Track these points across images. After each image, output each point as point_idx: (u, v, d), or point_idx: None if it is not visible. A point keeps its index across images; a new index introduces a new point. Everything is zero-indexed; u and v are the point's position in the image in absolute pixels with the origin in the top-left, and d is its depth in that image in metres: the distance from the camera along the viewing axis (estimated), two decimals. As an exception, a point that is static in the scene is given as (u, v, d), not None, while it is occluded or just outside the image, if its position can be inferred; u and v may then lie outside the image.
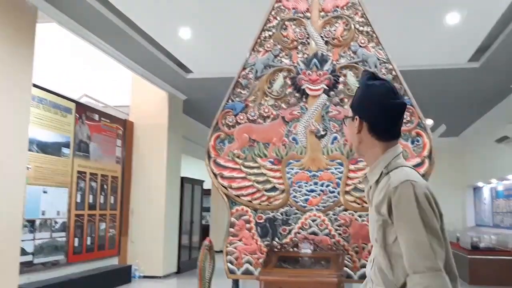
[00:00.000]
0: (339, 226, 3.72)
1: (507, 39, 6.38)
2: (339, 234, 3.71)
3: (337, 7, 3.91)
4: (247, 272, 3.78)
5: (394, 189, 1.49)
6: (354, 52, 3.83)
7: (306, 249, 3.55)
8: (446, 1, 5.59)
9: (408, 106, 3.68)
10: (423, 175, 3.59)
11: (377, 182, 1.61)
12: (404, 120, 3.63)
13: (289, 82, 3.92)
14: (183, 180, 9.96)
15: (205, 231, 13.03)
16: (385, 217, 1.53)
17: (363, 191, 3.63)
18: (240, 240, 3.83)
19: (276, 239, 3.77)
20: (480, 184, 12.42)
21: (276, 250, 3.62)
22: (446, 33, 6.37)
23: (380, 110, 1.59)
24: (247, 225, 3.84)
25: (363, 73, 1.86)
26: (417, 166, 3.63)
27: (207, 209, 14.01)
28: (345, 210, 3.73)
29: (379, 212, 1.54)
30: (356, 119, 1.64)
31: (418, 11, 5.83)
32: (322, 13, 3.93)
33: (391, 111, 1.60)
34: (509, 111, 9.13)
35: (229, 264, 3.82)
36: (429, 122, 12.15)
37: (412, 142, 3.67)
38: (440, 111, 10.56)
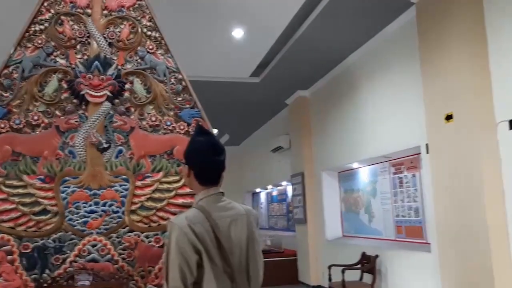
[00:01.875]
0: (123, 249, 3.32)
1: (283, 58, 6.95)
2: (123, 258, 3.31)
3: (123, 7, 3.54)
4: (7, 315, 3.08)
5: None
6: (142, 58, 3.52)
7: (83, 281, 3.06)
8: (231, 17, 5.73)
9: (197, 118, 3.55)
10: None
11: None
12: (193, 133, 3.51)
13: (65, 85, 3.37)
14: None
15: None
16: None
17: (151, 209, 3.38)
18: (-1, 276, 3.11)
19: (47, 271, 3.17)
20: (258, 190, 13.41)
21: (46, 285, 3.03)
22: (231, 48, 6.58)
23: (202, 164, 2.03)
24: (9, 257, 3.13)
25: (196, 126, 2.26)
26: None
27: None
28: (131, 231, 3.36)
29: None
30: (187, 167, 2.08)
31: (205, 24, 5.84)
32: (106, 12, 3.51)
33: (211, 165, 2.04)
34: (283, 123, 10.05)
35: (-18, 308, 3.06)
36: (214, 131, 12.63)
37: (202, 156, 3.53)
38: (224, 121, 11.03)
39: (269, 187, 12.28)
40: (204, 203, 2.00)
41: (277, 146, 10.14)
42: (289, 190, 10.41)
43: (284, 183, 10.87)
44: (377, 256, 6.03)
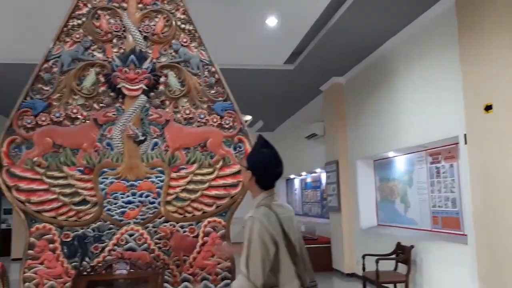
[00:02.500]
0: (159, 239, 3.43)
1: (317, 45, 6.85)
2: (159, 247, 3.42)
3: (157, 0, 3.58)
4: (50, 300, 3.24)
5: (246, 220, 2.22)
6: (176, 51, 3.56)
7: (121, 270, 3.17)
8: (266, 5, 5.69)
9: (230, 111, 3.58)
10: (245, 181, 3.54)
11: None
12: (227, 126, 3.55)
13: (102, 79, 3.47)
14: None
15: (6, 236, 11.42)
16: None
17: (186, 200, 3.45)
18: (41, 264, 3.26)
19: (87, 259, 3.30)
20: (292, 176, 13.40)
21: (85, 273, 3.16)
22: (266, 36, 6.54)
23: (265, 175, 2.36)
24: (51, 245, 3.29)
25: (258, 137, 2.49)
26: (239, 173, 3.54)
27: (9, 211, 12.31)
28: (166, 221, 3.45)
29: None
30: (249, 172, 2.35)
31: (239, 12, 5.82)
32: (141, 5, 3.56)
33: (272, 175, 2.37)
34: (318, 110, 9.96)
35: (27, 293, 3.23)
36: (248, 117, 12.63)
37: (235, 149, 3.57)
38: (258, 107, 11.03)
39: (303, 173, 12.24)
40: (266, 202, 2.30)
41: (311, 133, 10.07)
42: (323, 177, 10.35)
43: (318, 170, 10.81)
44: (412, 246, 5.95)
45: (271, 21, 6.07)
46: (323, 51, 7.10)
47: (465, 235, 5.24)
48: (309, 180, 12.26)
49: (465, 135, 4.82)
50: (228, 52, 6.78)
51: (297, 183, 13.45)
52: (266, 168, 2.36)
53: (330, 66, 7.94)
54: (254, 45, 6.91)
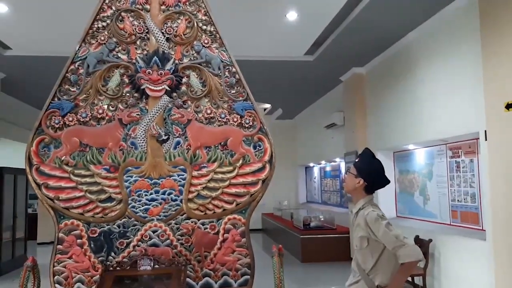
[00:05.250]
0: (181, 235, 3.55)
1: (338, 36, 6.83)
2: (181, 244, 3.54)
3: (180, 2, 3.64)
4: (79, 292, 3.40)
5: (367, 215, 2.62)
6: (198, 52, 3.63)
7: (145, 266, 3.30)
8: (285, 0, 5.70)
9: (250, 111, 3.64)
10: (264, 180, 3.62)
11: (357, 213, 2.74)
12: (247, 125, 3.62)
13: (126, 80, 3.56)
14: (3, 170, 8.79)
15: (32, 221, 11.78)
16: (365, 232, 2.64)
17: (207, 197, 3.56)
18: (70, 258, 3.42)
19: (113, 254, 3.45)
20: (311, 164, 13.44)
21: (112, 269, 3.30)
22: (285, 30, 6.56)
23: (379, 183, 2.78)
24: (79, 241, 3.44)
25: (366, 150, 2.92)
26: (258, 171, 3.63)
27: (35, 197, 12.66)
28: (188, 218, 3.57)
29: (361, 229, 2.65)
30: (360, 179, 2.74)
31: (261, 6, 5.84)
32: (163, 7, 3.63)
33: (380, 183, 2.79)
34: (337, 100, 9.94)
35: (57, 285, 3.39)
36: (267, 105, 12.66)
37: (254, 147, 3.64)
38: (278, 96, 11.07)
39: (322, 162, 12.28)
40: (371, 204, 2.72)
41: (331, 123, 10.06)
42: (342, 166, 10.37)
43: (337, 159, 10.83)
44: (430, 240, 5.98)
45: (291, 16, 6.08)
46: (344, 43, 7.08)
47: (484, 230, 5.25)
48: (328, 169, 12.29)
49: (485, 131, 4.79)
50: (249, 44, 6.83)
51: (316, 171, 13.50)
52: (377, 176, 2.76)
53: (350, 57, 7.91)
54: (275, 39, 6.95)
